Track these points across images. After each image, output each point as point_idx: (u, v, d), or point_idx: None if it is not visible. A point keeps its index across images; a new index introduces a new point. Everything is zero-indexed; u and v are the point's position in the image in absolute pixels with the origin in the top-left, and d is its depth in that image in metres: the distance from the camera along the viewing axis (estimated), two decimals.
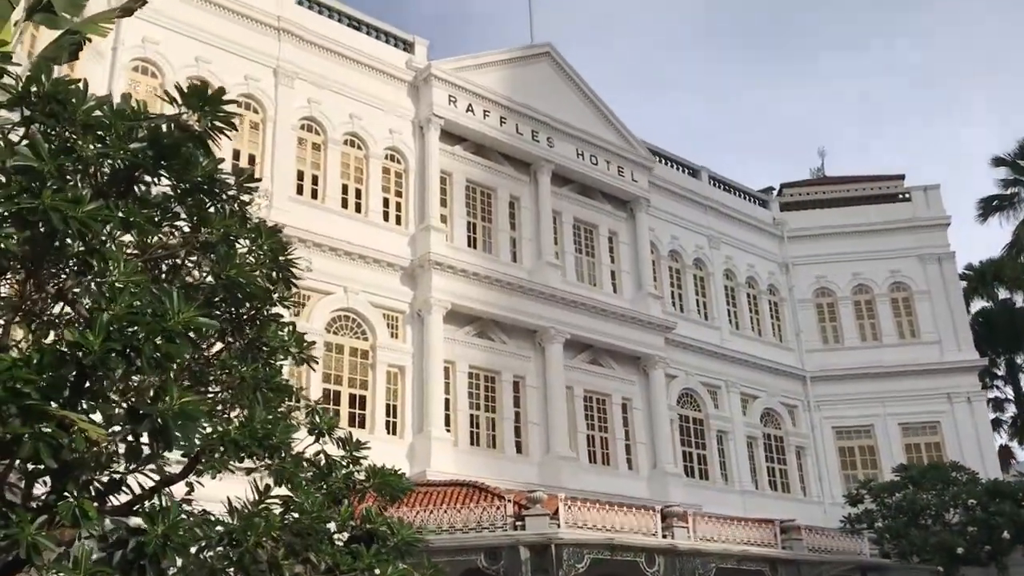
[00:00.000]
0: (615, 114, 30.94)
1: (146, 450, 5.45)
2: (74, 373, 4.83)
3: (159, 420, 4.97)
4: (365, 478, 7.53)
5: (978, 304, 41.47)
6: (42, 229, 4.98)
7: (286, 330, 8.14)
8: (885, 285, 36.27)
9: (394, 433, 23.00)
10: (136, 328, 4.77)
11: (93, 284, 5.21)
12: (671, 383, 30.18)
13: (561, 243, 28.54)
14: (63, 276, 5.60)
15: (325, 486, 7.27)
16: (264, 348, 7.03)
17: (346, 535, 7.26)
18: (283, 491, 6.75)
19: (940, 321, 35.38)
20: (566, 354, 26.83)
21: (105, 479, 5.84)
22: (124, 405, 5.31)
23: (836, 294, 36.53)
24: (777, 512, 27.48)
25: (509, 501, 17.51)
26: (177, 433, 5.23)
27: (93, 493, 5.66)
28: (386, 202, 25.11)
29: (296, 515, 6.56)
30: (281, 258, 6.80)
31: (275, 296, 6.82)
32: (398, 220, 25.16)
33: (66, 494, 4.99)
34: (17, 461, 4.76)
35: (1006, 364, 40.18)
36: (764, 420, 33.47)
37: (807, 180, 41.22)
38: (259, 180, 6.82)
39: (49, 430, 4.53)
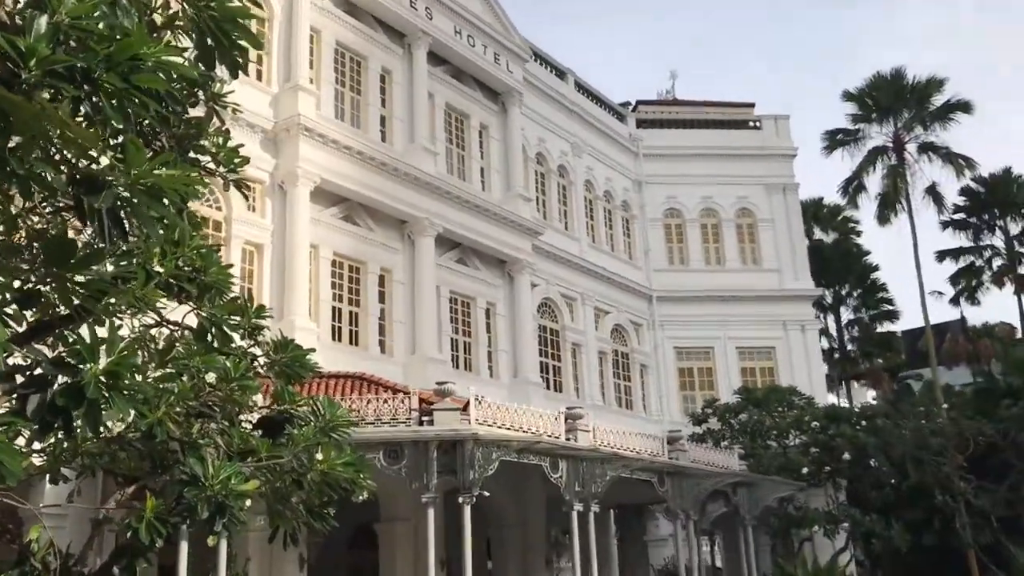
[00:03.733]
0: None
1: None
2: None
3: (121, 196, 3.72)
4: (267, 353, 5.97)
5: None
6: None
7: (219, 138, 5.97)
8: (732, 210, 36.34)
9: None
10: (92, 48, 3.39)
11: None
12: (533, 292, 28.50)
13: (432, 130, 25.78)
14: None
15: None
16: (193, 154, 5.61)
17: (253, 417, 5.98)
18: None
19: (781, 250, 35.97)
20: (435, 251, 24.36)
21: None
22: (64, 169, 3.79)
23: (685, 216, 36.20)
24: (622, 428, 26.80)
25: (412, 394, 15.09)
26: (149, 213, 3.94)
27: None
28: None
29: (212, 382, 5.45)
30: None
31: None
32: (259, 75, 21.44)
33: None
34: None
35: (834, 296, 41.91)
36: (613, 336, 32.69)
37: (661, 100, 40.51)
38: None
39: None
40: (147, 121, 4.69)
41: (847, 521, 27.45)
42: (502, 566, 23.14)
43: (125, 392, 4.01)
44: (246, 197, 7.98)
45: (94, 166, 4.05)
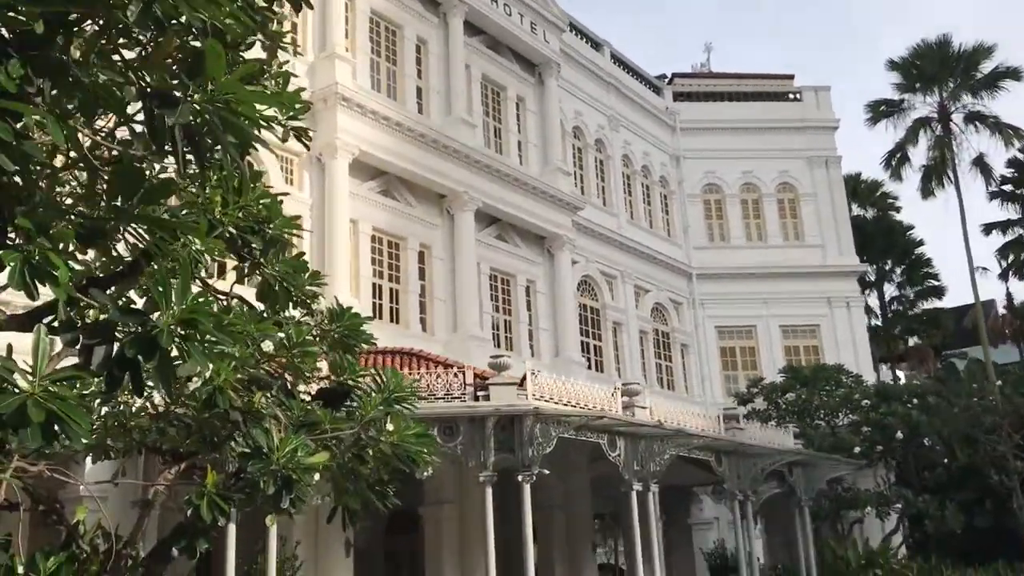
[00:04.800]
0: None
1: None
2: None
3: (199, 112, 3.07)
4: (320, 323, 5.42)
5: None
6: None
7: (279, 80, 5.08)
8: (773, 185, 35.32)
9: None
10: None
11: None
12: (572, 269, 27.67)
13: (469, 102, 24.95)
14: None
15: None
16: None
17: (310, 389, 5.40)
18: None
19: (824, 225, 34.93)
20: (474, 226, 23.59)
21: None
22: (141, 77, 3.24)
23: (724, 191, 35.22)
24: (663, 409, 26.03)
25: (467, 368, 14.35)
26: (232, 139, 3.30)
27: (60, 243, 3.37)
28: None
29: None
30: None
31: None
32: (294, 43, 20.64)
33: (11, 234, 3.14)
34: None
35: (877, 272, 40.75)
36: (653, 315, 31.83)
37: (697, 72, 39.43)
38: None
39: None
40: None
41: (900, 502, 26.61)
42: (546, 550, 22.37)
43: (202, 343, 3.35)
44: (307, 147, 7.22)
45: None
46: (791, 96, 36.96)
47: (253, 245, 4.71)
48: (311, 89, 20.07)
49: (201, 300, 3.59)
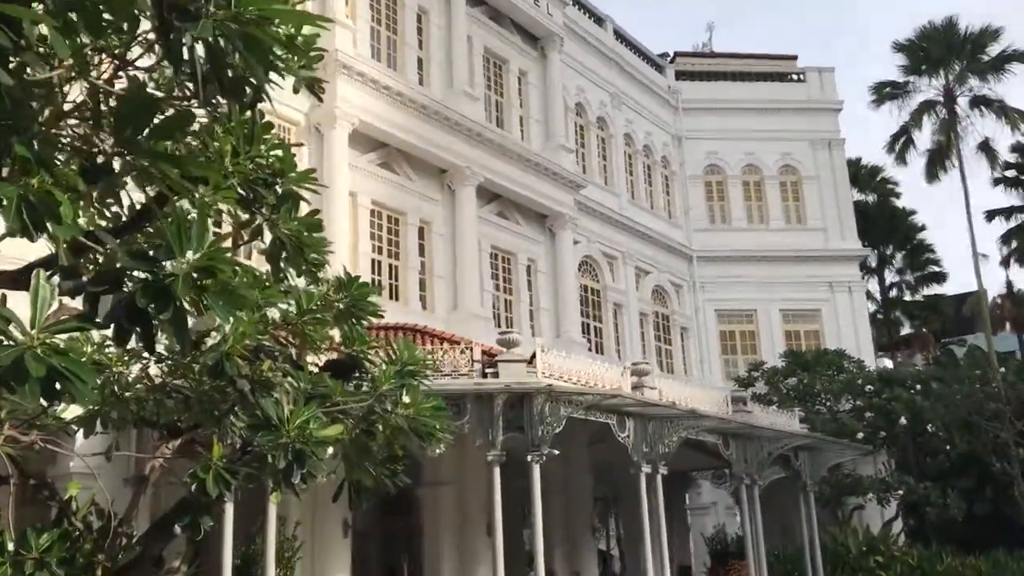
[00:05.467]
0: None
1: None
2: None
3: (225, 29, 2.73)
4: (326, 292, 4.97)
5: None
6: None
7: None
8: (775, 167, 34.78)
9: None
10: None
11: None
12: (574, 249, 27.10)
13: (471, 75, 24.27)
14: None
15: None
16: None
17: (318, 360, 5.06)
18: None
19: (826, 208, 34.45)
20: (475, 202, 22.97)
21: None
22: None
23: (726, 172, 34.66)
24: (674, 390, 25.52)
25: (474, 344, 13.78)
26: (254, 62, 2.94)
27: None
28: None
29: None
30: None
31: None
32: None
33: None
34: None
35: (878, 258, 40.29)
36: (654, 297, 31.31)
37: (699, 52, 38.77)
38: None
39: None
40: None
41: (901, 489, 26.26)
42: (546, 534, 21.85)
43: (222, 295, 2.98)
44: (320, 99, 6.58)
45: None
46: (794, 77, 36.39)
47: (266, 199, 4.15)
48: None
49: (219, 247, 3.09)
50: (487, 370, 13.43)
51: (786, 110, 35.04)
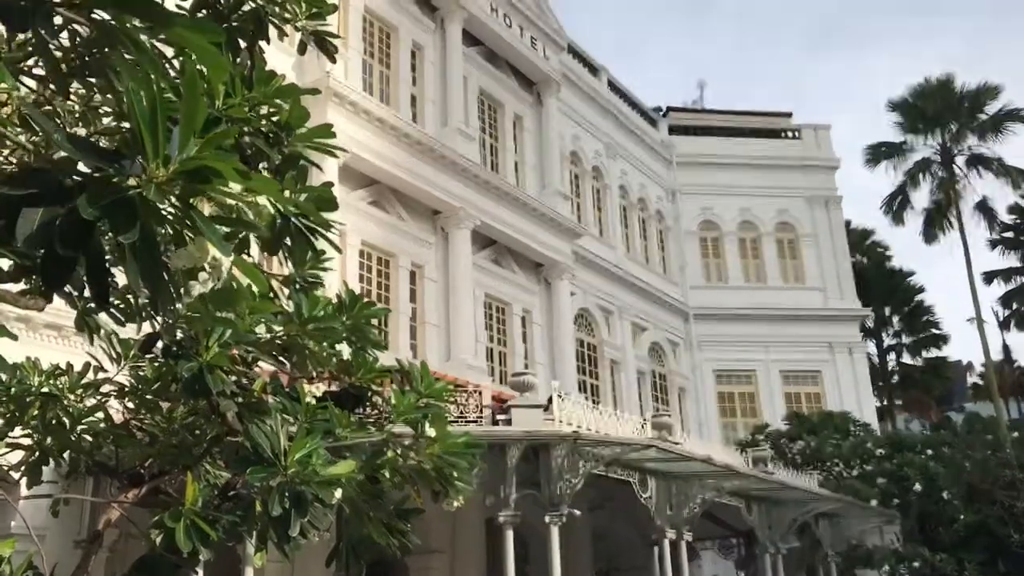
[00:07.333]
0: None
1: None
2: None
3: None
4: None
5: None
6: None
7: None
8: (772, 224, 33.78)
9: None
10: None
11: None
12: (570, 300, 25.64)
13: (465, 115, 23.05)
14: None
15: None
16: None
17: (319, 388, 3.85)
18: None
19: (825, 267, 33.40)
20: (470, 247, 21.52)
21: None
22: None
23: (722, 228, 33.59)
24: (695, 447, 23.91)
25: (484, 388, 12.13)
26: None
27: None
28: None
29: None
30: None
31: None
32: (281, 35, 18.67)
33: None
34: None
35: (876, 319, 39.10)
36: (651, 355, 29.82)
37: (692, 108, 38.06)
38: None
39: None
40: None
41: (916, 560, 24.59)
42: None
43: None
44: (332, 59, 5.14)
45: None
46: (789, 134, 35.67)
47: (270, 157, 3.05)
48: (297, 79, 18.01)
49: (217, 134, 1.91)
50: (498, 417, 11.75)
51: (782, 167, 34.23)
